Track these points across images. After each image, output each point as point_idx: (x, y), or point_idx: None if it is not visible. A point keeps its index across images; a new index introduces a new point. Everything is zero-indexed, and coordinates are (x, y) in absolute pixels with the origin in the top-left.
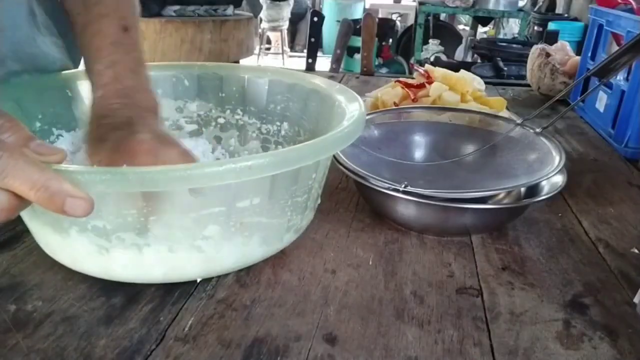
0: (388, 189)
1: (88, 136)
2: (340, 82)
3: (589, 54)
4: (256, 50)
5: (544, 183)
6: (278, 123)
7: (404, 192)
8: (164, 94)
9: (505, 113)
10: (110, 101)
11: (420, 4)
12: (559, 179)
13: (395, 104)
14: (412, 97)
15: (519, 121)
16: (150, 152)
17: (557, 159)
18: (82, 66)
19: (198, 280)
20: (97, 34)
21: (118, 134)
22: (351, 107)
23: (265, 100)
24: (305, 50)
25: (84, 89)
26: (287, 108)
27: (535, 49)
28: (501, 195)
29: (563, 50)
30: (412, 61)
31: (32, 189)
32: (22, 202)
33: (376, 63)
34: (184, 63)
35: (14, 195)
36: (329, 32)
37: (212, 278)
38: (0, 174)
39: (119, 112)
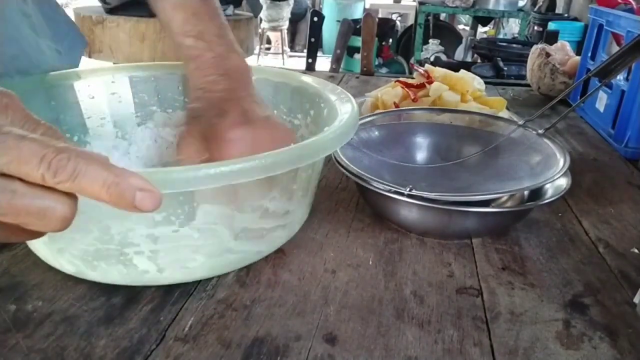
0: (392, 192)
1: (187, 114)
2: (340, 82)
3: (589, 54)
4: (256, 50)
5: (547, 185)
6: None
7: (409, 196)
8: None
9: (505, 113)
10: (205, 72)
11: (420, 4)
12: (563, 182)
13: (395, 104)
14: (412, 97)
15: (520, 122)
16: (239, 140)
17: (561, 161)
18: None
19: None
20: (178, 7)
21: (210, 118)
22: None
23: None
24: (305, 50)
25: (70, 93)
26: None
27: (535, 49)
28: (504, 198)
29: (563, 50)
30: (412, 61)
31: (102, 187)
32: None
33: (376, 63)
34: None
35: (76, 200)
36: (329, 32)
37: (212, 278)
38: (72, 175)
39: (213, 85)
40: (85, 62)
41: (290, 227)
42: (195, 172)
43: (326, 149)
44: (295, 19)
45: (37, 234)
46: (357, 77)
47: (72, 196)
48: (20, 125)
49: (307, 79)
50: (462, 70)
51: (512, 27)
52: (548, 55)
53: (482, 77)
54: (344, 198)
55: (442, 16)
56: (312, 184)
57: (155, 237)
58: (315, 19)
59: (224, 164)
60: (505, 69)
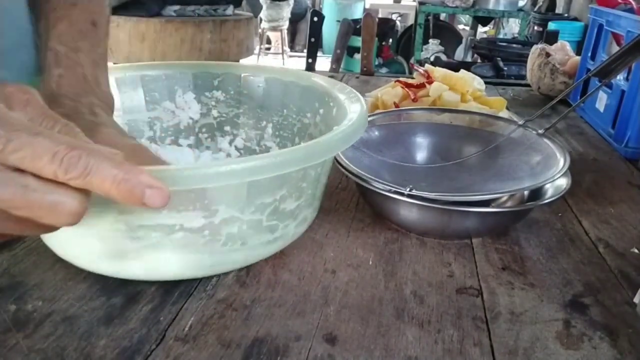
0: (392, 192)
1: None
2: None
3: (589, 54)
4: (256, 50)
5: (547, 185)
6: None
7: (409, 196)
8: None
9: (505, 113)
10: (72, 83)
11: (420, 4)
12: (563, 182)
13: (395, 104)
14: (412, 97)
15: (520, 122)
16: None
17: (561, 161)
18: None
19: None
20: (64, 19)
21: (84, 122)
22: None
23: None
24: (305, 50)
25: None
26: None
27: (535, 49)
28: (504, 198)
29: (563, 50)
30: (412, 61)
31: (112, 185)
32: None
33: (376, 63)
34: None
35: (87, 196)
36: (329, 32)
37: (212, 278)
38: (83, 173)
39: (81, 99)
40: None
41: (301, 225)
42: (206, 170)
43: (335, 148)
44: (295, 19)
45: (50, 228)
46: (357, 77)
47: (83, 191)
48: (39, 122)
49: (317, 78)
50: (462, 70)
51: (512, 27)
52: (548, 55)
53: (482, 77)
54: (344, 198)
55: (442, 16)
56: (320, 182)
57: (167, 232)
58: (315, 19)
59: (236, 161)
60: (505, 69)
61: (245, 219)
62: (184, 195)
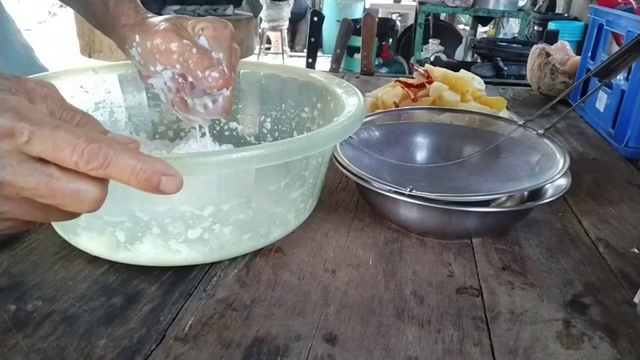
0: (392, 192)
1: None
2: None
3: (589, 54)
4: (256, 50)
5: (547, 185)
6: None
7: (409, 196)
8: None
9: (505, 113)
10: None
11: (420, 3)
12: (563, 182)
13: (395, 103)
14: (412, 97)
15: (520, 122)
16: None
17: (561, 161)
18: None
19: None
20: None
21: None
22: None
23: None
24: (305, 50)
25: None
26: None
27: (535, 49)
28: (504, 198)
29: (563, 50)
30: (412, 61)
31: (131, 175)
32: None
33: (376, 63)
34: None
35: (106, 184)
36: (329, 32)
37: (212, 278)
38: (103, 164)
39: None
40: (86, 62)
41: (303, 213)
42: (219, 157)
43: (336, 137)
44: (295, 19)
45: (73, 215)
46: (357, 77)
47: (102, 180)
48: (59, 114)
49: (315, 74)
50: (462, 70)
51: (512, 27)
52: (548, 55)
53: (482, 77)
54: (344, 198)
55: (442, 16)
56: (321, 172)
57: (177, 218)
58: (315, 18)
59: (246, 149)
60: (505, 69)
61: (252, 206)
62: (196, 182)
